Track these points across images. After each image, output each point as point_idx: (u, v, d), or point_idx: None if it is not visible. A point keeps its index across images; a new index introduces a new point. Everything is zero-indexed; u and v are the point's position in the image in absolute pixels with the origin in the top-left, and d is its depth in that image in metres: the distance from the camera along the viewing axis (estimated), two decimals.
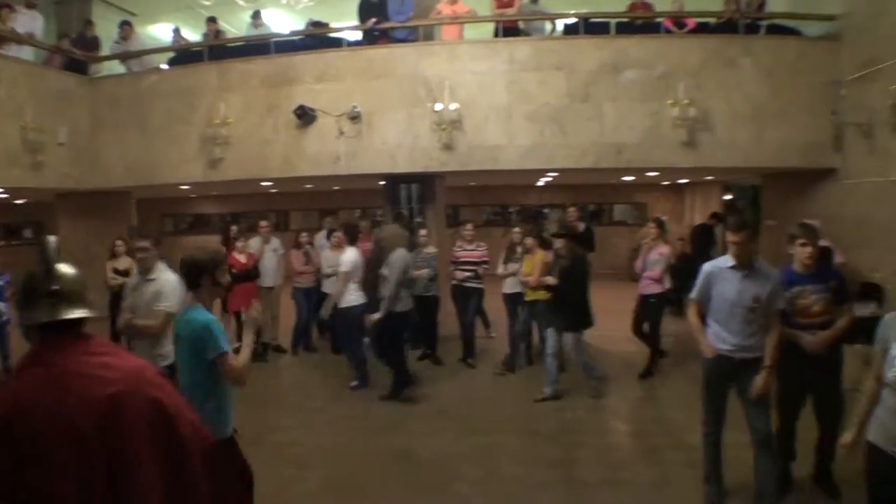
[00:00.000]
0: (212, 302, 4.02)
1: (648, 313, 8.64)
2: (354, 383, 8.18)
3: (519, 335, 8.98)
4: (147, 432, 1.96)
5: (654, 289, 8.48)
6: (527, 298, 8.65)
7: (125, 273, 8.72)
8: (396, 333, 7.83)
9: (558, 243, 7.81)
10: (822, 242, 8.21)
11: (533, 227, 9.15)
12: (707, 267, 4.94)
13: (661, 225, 8.87)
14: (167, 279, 5.16)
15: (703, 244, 12.27)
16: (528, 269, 8.48)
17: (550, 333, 7.74)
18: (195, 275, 3.87)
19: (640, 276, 8.60)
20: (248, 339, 4.07)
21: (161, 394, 2.03)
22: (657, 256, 8.46)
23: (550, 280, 7.69)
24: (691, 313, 5.09)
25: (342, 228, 8.77)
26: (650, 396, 7.99)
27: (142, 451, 1.93)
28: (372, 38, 10.27)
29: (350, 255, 8.06)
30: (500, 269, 9.04)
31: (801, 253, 4.82)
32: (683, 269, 12.00)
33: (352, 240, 8.34)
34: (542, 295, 8.25)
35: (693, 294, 5.00)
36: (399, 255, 7.80)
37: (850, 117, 8.81)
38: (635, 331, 8.80)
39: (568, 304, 7.58)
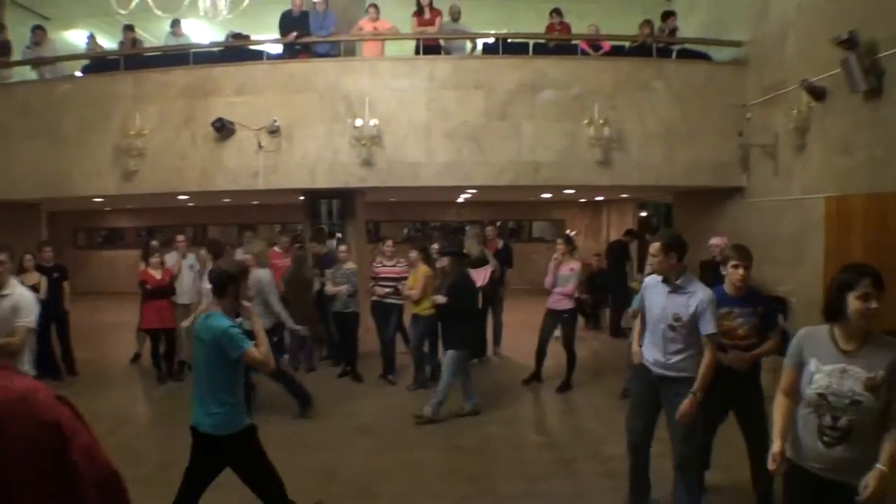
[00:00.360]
0: (233, 312, 4.38)
1: (562, 328, 8.78)
2: None
3: (414, 349, 9.01)
4: (33, 457, 1.90)
5: (566, 304, 8.65)
6: (412, 312, 8.75)
7: (34, 289, 8.41)
8: None
9: (444, 261, 7.88)
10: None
11: (453, 241, 9.26)
12: (647, 279, 5.05)
13: (569, 241, 9.06)
14: (22, 293, 4.98)
15: (618, 260, 12.57)
16: (412, 283, 8.59)
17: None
18: (224, 283, 4.29)
19: (551, 292, 8.75)
20: (257, 328, 4.46)
21: (52, 417, 1.97)
22: (568, 272, 8.62)
23: (440, 299, 7.71)
24: (636, 321, 5.25)
25: (206, 246, 8.73)
26: (568, 409, 8.16)
27: (25, 477, 1.88)
28: (293, 52, 10.23)
29: None
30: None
31: (733, 275, 4.84)
32: (599, 285, 12.35)
33: (216, 257, 8.28)
34: (422, 309, 8.39)
35: (636, 304, 5.15)
36: (265, 274, 7.73)
37: (756, 139, 9.23)
38: (542, 345, 8.93)
39: (452, 321, 7.65)
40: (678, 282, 4.67)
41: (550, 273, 8.71)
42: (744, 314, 4.85)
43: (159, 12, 6.36)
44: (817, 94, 7.87)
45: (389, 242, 9.32)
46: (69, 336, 9.64)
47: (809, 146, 8.22)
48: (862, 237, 7.10)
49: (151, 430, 7.36)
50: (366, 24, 10.19)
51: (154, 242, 10.19)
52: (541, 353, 8.93)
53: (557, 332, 8.83)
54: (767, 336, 4.97)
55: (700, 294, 4.60)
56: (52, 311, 8.36)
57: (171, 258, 9.61)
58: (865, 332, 3.15)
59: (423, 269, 8.54)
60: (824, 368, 3.17)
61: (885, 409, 3.07)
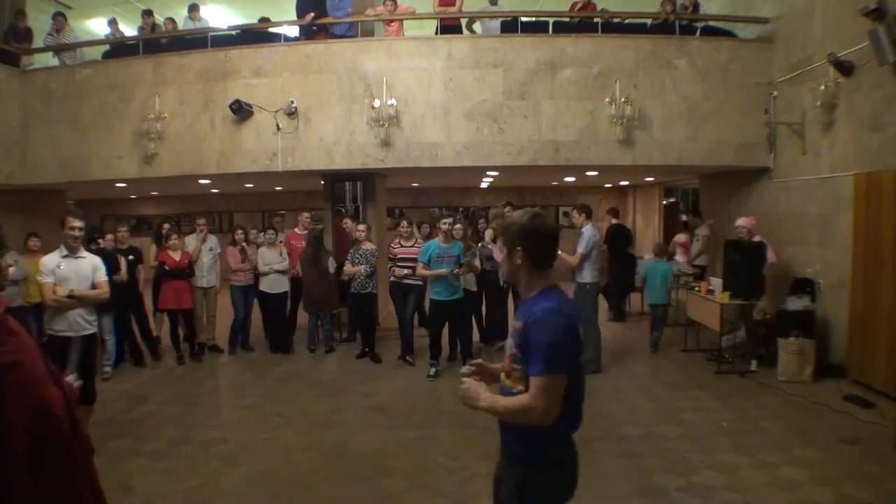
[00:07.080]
0: None
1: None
2: None
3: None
4: None
5: None
6: None
7: None
8: None
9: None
10: (756, 238, 8.40)
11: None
12: None
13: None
14: (91, 255, 5.97)
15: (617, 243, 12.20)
16: None
17: None
18: None
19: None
20: None
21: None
22: None
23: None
24: None
25: None
26: (587, 391, 7.93)
27: None
28: (310, 33, 10.17)
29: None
30: None
31: None
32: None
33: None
34: None
35: None
36: None
37: (782, 117, 9.02)
38: None
39: None
40: None
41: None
42: None
43: None
44: (845, 69, 7.69)
45: (405, 223, 9.21)
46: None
47: (837, 123, 8.04)
48: (892, 214, 6.91)
49: (166, 407, 7.33)
50: (382, 10, 10.09)
51: (167, 226, 10.10)
52: None
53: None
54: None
55: None
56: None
57: (190, 241, 9.59)
58: None
59: None
60: None
61: None
